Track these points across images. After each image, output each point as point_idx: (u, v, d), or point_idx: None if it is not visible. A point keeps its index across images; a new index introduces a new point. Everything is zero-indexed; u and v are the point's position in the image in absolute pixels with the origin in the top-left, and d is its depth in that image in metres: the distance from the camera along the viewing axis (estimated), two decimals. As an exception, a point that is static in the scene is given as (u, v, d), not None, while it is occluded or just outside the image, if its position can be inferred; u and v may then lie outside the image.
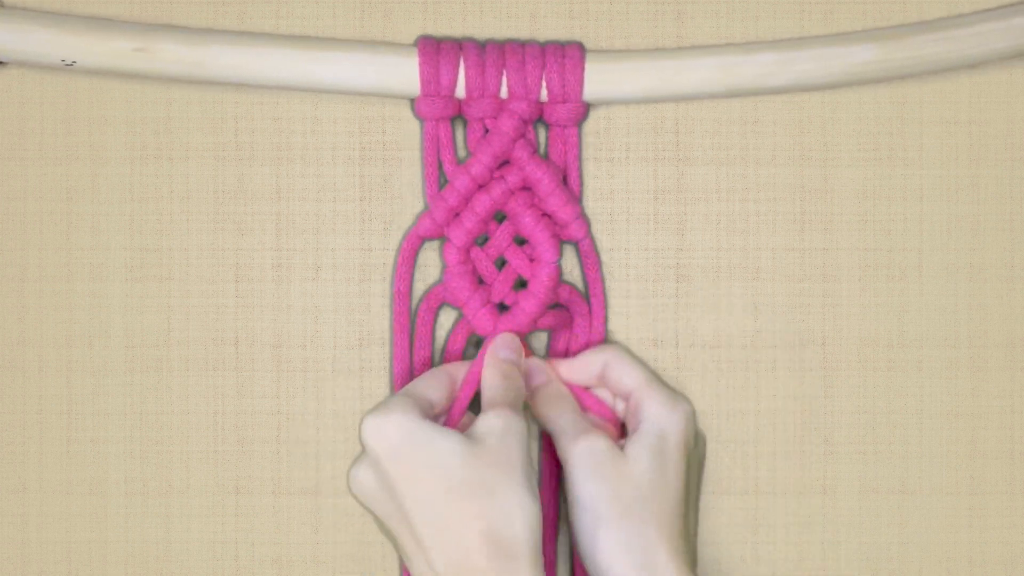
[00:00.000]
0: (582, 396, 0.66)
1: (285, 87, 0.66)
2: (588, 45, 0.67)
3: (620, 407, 0.66)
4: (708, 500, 0.68)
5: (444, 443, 0.59)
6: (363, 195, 0.68)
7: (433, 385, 0.63)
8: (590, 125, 0.68)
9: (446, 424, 0.63)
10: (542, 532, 0.60)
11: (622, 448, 0.62)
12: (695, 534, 0.64)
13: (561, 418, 0.63)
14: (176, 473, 0.68)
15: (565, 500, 0.66)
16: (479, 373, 0.64)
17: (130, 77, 0.66)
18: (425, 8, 0.68)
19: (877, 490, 0.68)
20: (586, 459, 0.61)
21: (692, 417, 0.64)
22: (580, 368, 0.66)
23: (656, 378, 0.65)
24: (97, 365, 0.68)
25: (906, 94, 0.68)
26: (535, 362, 0.66)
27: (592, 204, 0.68)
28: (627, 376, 0.64)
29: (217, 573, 0.68)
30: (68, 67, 0.65)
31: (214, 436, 0.68)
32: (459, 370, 0.65)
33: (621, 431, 0.66)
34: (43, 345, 0.68)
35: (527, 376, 0.65)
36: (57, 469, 0.68)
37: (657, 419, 0.63)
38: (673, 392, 0.64)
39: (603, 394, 0.66)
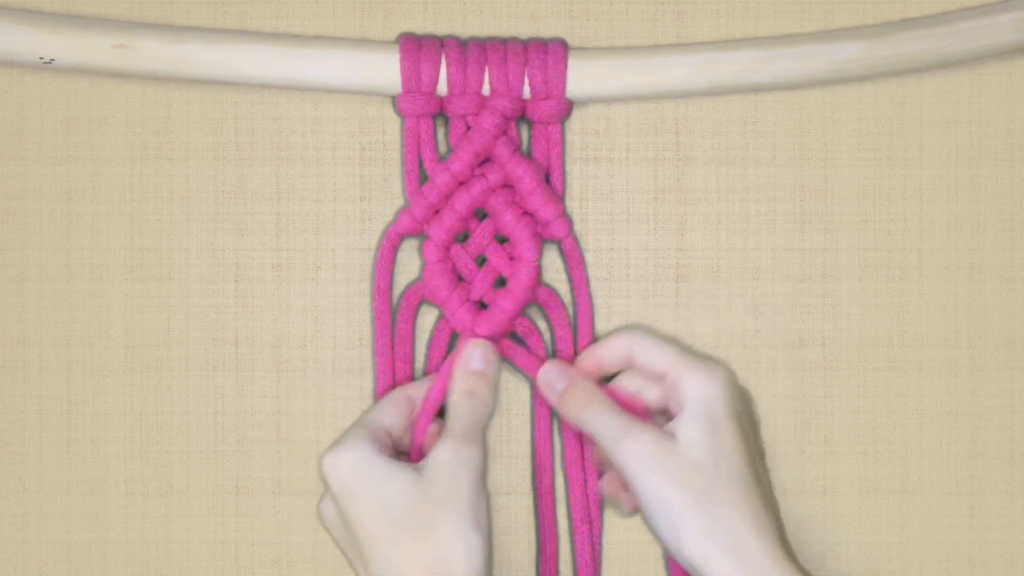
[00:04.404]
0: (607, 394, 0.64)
1: (268, 84, 0.66)
2: (588, 46, 0.67)
3: (652, 392, 0.64)
4: (708, 500, 0.68)
5: (393, 481, 0.60)
6: (363, 195, 0.68)
7: (390, 412, 0.64)
8: (589, 125, 0.68)
9: (410, 444, 0.64)
10: (490, 563, 0.60)
11: (672, 433, 0.61)
12: (772, 495, 0.63)
13: (599, 420, 0.62)
14: (176, 473, 0.68)
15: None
16: (439, 389, 0.64)
17: (113, 75, 0.66)
18: (424, 9, 0.68)
19: (877, 490, 0.68)
20: (641, 458, 0.60)
21: (733, 380, 0.63)
22: (604, 355, 0.65)
23: (686, 350, 0.63)
24: (97, 365, 0.68)
25: (906, 94, 0.68)
26: (554, 366, 0.65)
27: (592, 204, 0.68)
28: (656, 357, 0.63)
29: (217, 573, 0.68)
30: (47, 65, 0.65)
31: (214, 436, 0.68)
32: (419, 391, 0.65)
33: (649, 416, 0.64)
34: (43, 345, 0.68)
35: (548, 384, 0.65)
36: (57, 469, 0.68)
37: (700, 394, 0.61)
38: (708, 360, 0.63)
39: (631, 380, 0.65)
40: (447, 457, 0.61)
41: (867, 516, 0.68)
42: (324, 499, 0.62)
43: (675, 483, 0.60)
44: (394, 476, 0.60)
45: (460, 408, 0.63)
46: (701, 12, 0.68)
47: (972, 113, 0.68)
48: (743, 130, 0.68)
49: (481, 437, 0.63)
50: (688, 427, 0.61)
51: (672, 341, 0.65)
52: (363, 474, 0.60)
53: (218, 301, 0.68)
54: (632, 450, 0.60)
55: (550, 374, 0.65)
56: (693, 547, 0.59)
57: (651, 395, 0.64)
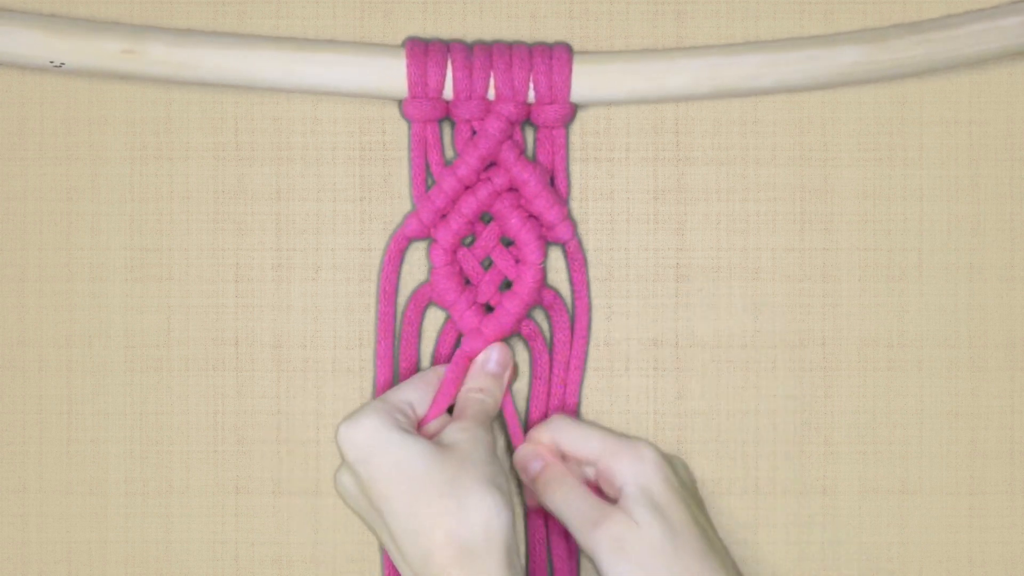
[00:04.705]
0: None
1: (275, 88, 0.66)
2: (588, 47, 0.67)
3: (590, 473, 0.65)
4: (709, 501, 0.68)
5: (409, 448, 0.60)
6: (363, 195, 0.68)
7: (417, 388, 0.64)
8: (589, 125, 0.68)
9: (421, 423, 0.64)
10: (511, 526, 0.60)
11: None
12: (730, 559, 0.63)
13: (570, 507, 0.63)
14: (176, 473, 0.68)
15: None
16: (455, 380, 0.65)
17: (120, 78, 0.66)
18: (424, 9, 0.68)
19: (877, 490, 0.68)
20: (610, 546, 0.61)
21: (659, 456, 0.63)
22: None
23: (608, 435, 0.64)
24: (97, 365, 0.68)
25: (906, 94, 0.68)
26: (528, 448, 0.65)
27: (592, 204, 0.68)
28: (580, 445, 0.64)
29: (217, 573, 0.68)
30: (57, 68, 0.65)
31: (214, 436, 0.68)
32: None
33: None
34: (43, 345, 0.68)
35: (523, 466, 0.65)
36: (57, 469, 0.68)
37: (634, 479, 0.62)
38: (631, 442, 0.64)
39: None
40: (461, 436, 0.62)
41: (867, 516, 0.68)
42: (340, 469, 0.63)
43: (640, 568, 0.60)
44: (411, 444, 0.61)
45: (469, 402, 0.64)
46: (701, 13, 0.68)
47: (972, 113, 0.68)
48: (743, 130, 0.68)
49: (490, 424, 0.64)
50: (639, 510, 0.61)
51: (592, 426, 0.66)
52: (379, 442, 0.61)
53: (218, 301, 0.68)
54: (600, 541, 0.61)
55: (524, 456, 0.65)
56: None
57: (590, 475, 0.65)
